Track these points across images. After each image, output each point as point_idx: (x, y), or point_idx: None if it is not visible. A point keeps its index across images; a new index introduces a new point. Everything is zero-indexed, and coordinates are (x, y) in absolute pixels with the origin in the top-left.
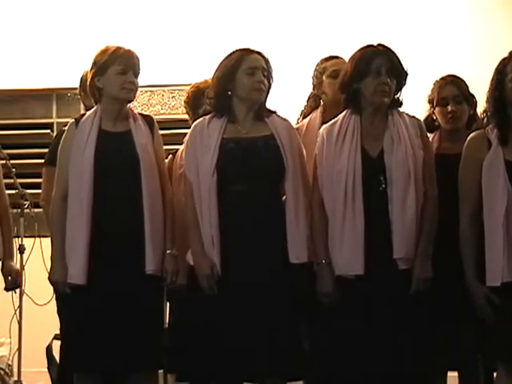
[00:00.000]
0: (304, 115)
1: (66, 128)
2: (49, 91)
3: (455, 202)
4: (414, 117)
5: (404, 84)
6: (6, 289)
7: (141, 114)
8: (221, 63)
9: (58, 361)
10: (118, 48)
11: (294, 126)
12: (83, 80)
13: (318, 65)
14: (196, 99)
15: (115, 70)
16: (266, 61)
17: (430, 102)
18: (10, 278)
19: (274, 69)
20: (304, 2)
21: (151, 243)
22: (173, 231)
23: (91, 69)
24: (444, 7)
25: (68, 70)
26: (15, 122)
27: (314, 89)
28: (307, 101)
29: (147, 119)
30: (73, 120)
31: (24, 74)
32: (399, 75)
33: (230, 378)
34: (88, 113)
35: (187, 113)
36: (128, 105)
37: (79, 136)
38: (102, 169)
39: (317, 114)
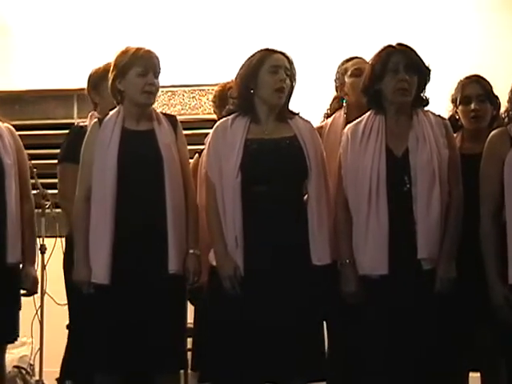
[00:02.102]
0: (327, 116)
1: (80, 125)
2: (70, 92)
3: (478, 203)
4: (439, 116)
5: (428, 81)
6: (23, 294)
7: (164, 114)
8: (244, 62)
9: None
10: (138, 49)
11: (319, 125)
12: (92, 77)
13: (339, 67)
14: (222, 98)
15: (136, 72)
16: (290, 61)
17: (453, 101)
18: (27, 283)
19: (297, 70)
20: (327, 3)
21: (174, 243)
22: (196, 231)
23: (112, 71)
24: (468, 7)
25: (89, 71)
26: (36, 122)
27: (336, 91)
28: (331, 103)
29: (171, 119)
30: (96, 120)
31: (45, 74)
32: (420, 71)
33: (254, 378)
34: (111, 113)
35: (214, 112)
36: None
37: (102, 135)
38: (126, 167)
39: (340, 114)
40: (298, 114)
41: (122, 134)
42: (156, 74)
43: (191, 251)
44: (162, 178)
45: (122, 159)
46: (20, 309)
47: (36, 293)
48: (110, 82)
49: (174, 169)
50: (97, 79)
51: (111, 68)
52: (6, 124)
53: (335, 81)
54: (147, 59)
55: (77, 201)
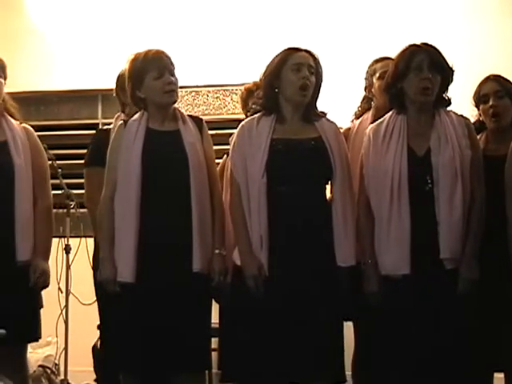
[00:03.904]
0: (357, 117)
1: (105, 128)
2: (94, 92)
3: (501, 205)
4: (461, 115)
5: (451, 81)
6: (32, 286)
7: (190, 115)
8: (269, 62)
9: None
10: (147, 53)
11: (347, 127)
12: (121, 78)
13: (369, 67)
14: (248, 98)
15: (151, 77)
16: (315, 59)
17: (475, 103)
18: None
19: (328, 70)
20: (356, 3)
21: (199, 242)
22: (222, 231)
23: (128, 82)
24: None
25: (113, 71)
26: (61, 122)
27: (365, 91)
28: (361, 103)
29: (196, 120)
30: (121, 121)
31: (70, 75)
32: (443, 71)
33: (276, 379)
34: (136, 115)
35: (243, 110)
36: (175, 105)
37: (127, 136)
38: (150, 167)
39: (368, 116)
40: (325, 116)
41: (147, 134)
42: (171, 71)
43: (217, 251)
44: (187, 178)
45: (146, 159)
46: (41, 307)
47: (46, 286)
48: (129, 92)
49: (199, 168)
50: (124, 80)
51: (126, 79)
52: (23, 124)
53: (365, 80)
54: (159, 60)
55: (102, 200)
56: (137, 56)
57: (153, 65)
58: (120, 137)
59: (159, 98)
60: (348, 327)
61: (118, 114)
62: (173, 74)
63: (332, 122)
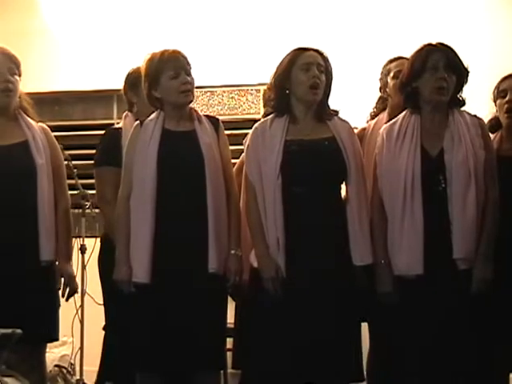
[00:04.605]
0: (372, 117)
1: (114, 127)
2: (109, 92)
3: None
4: (475, 116)
5: (465, 82)
6: (64, 297)
7: (206, 115)
8: (279, 63)
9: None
10: (163, 53)
11: (363, 127)
12: (130, 77)
13: (383, 66)
14: (266, 99)
15: (167, 77)
16: (324, 57)
17: (494, 100)
18: (63, 281)
19: (343, 70)
20: (374, 2)
21: (214, 242)
22: (238, 231)
23: (144, 81)
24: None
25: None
26: (76, 123)
27: (380, 91)
28: (376, 103)
29: (212, 120)
30: (138, 122)
31: (85, 75)
32: (459, 72)
33: (293, 379)
34: (152, 115)
35: (264, 108)
36: (191, 105)
37: (143, 136)
38: (166, 167)
39: (384, 116)
40: (337, 114)
41: (163, 135)
42: (187, 71)
43: (233, 251)
44: (202, 178)
45: (162, 160)
46: (59, 307)
47: (76, 291)
48: (145, 92)
49: (215, 168)
50: (135, 79)
51: (143, 79)
52: (40, 124)
53: (380, 80)
54: (175, 60)
55: (119, 200)
56: (153, 56)
57: (169, 65)
58: (136, 137)
59: (175, 98)
60: (364, 327)
61: (126, 112)
62: (189, 74)
63: (345, 120)
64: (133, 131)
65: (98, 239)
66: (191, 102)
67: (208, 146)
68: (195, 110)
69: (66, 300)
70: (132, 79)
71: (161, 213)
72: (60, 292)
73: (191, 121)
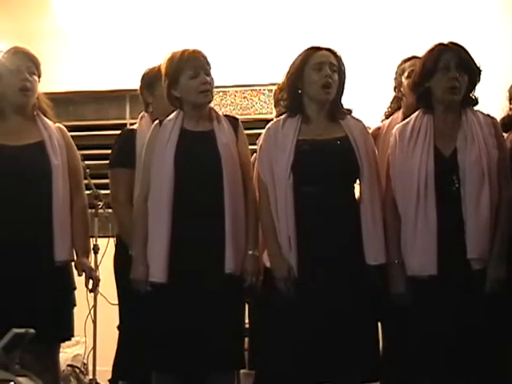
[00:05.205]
0: (387, 116)
1: (130, 128)
2: (122, 92)
3: None
4: (488, 115)
5: (478, 81)
6: (90, 290)
7: (226, 115)
8: (291, 63)
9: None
10: (183, 52)
11: (377, 126)
12: (146, 77)
13: (398, 66)
14: (277, 99)
15: (187, 76)
16: (337, 57)
17: (509, 94)
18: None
19: (357, 70)
20: (384, 2)
21: (231, 243)
22: (255, 232)
23: (164, 80)
24: None
25: (141, 71)
26: (89, 123)
27: (394, 90)
28: (390, 103)
29: (231, 120)
30: (157, 121)
31: (97, 75)
32: (471, 71)
33: (308, 378)
34: (172, 114)
35: (275, 108)
36: (210, 105)
37: (162, 136)
38: (183, 168)
39: (398, 115)
40: (350, 113)
41: (181, 135)
42: (207, 71)
43: (250, 252)
44: (220, 178)
45: (179, 160)
46: (74, 306)
47: (99, 280)
48: (165, 91)
49: (233, 169)
50: (151, 79)
51: (163, 78)
52: (57, 124)
53: (394, 80)
54: (194, 60)
55: (137, 200)
56: (173, 55)
57: (189, 64)
58: (155, 137)
59: (194, 98)
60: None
61: (143, 113)
62: (208, 74)
63: (358, 119)
64: (152, 131)
65: (111, 239)
66: (210, 101)
67: (225, 147)
68: (214, 110)
69: (91, 291)
70: (147, 79)
71: (178, 213)
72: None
73: (210, 121)
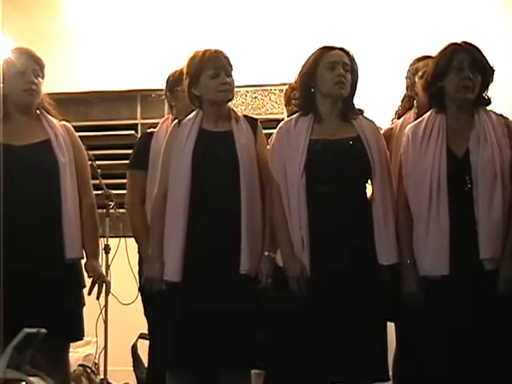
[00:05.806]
0: (398, 116)
1: (149, 131)
2: (133, 92)
3: None
4: (501, 115)
5: (491, 81)
6: (90, 293)
7: (245, 116)
8: (304, 62)
9: (143, 360)
10: (205, 52)
11: (389, 126)
12: (169, 80)
13: (410, 65)
14: (288, 98)
15: (207, 76)
16: (350, 56)
17: None
18: (93, 278)
19: (367, 69)
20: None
21: (247, 243)
22: (272, 233)
23: (185, 79)
24: None
25: (152, 72)
26: (100, 123)
27: (407, 90)
28: (401, 101)
29: (250, 121)
30: (176, 121)
31: (109, 75)
32: (484, 71)
33: (319, 378)
34: (191, 114)
35: (286, 107)
36: (229, 105)
37: (180, 135)
38: (200, 168)
39: (411, 115)
40: (362, 113)
41: (199, 135)
42: (227, 72)
43: (266, 253)
44: (237, 179)
45: (197, 160)
46: (84, 305)
47: (109, 285)
48: (186, 90)
49: (250, 170)
50: (173, 82)
51: (184, 76)
52: (62, 122)
53: (406, 79)
54: (216, 60)
55: (155, 199)
56: (195, 54)
57: (210, 64)
58: (174, 137)
59: (213, 96)
60: (390, 327)
61: (168, 115)
62: (229, 75)
63: (370, 120)
64: (171, 131)
65: (123, 239)
66: (230, 100)
67: (243, 147)
68: (234, 111)
69: (97, 298)
70: (171, 82)
71: (194, 213)
72: (87, 289)
73: (229, 121)
